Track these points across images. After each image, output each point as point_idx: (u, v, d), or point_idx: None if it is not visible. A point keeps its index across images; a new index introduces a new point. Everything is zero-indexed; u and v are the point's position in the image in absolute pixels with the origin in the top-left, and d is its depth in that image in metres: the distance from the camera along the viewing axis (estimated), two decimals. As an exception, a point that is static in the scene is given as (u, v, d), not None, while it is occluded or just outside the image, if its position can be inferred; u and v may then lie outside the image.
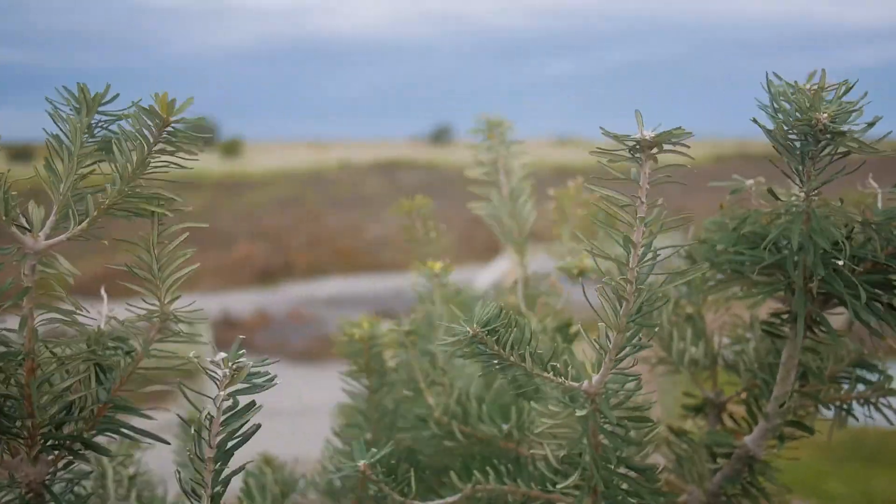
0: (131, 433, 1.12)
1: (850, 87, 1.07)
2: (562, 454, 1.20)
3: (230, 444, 0.96)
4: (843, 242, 1.12)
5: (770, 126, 1.08)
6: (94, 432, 1.11)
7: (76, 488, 1.17)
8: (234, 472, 1.00)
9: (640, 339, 1.04)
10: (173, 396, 1.03)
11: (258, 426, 0.98)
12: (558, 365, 1.10)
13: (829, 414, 1.38)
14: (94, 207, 1.05)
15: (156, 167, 1.05)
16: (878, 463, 6.82)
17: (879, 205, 1.20)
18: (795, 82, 1.08)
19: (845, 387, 1.38)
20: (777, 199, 1.18)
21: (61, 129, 1.06)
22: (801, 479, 5.97)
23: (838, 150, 1.07)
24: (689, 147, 0.96)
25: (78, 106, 1.06)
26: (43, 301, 1.05)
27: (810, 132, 1.05)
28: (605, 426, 1.14)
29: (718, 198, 1.31)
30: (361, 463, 1.22)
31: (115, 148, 1.04)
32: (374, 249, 20.17)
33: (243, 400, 0.95)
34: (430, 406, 1.48)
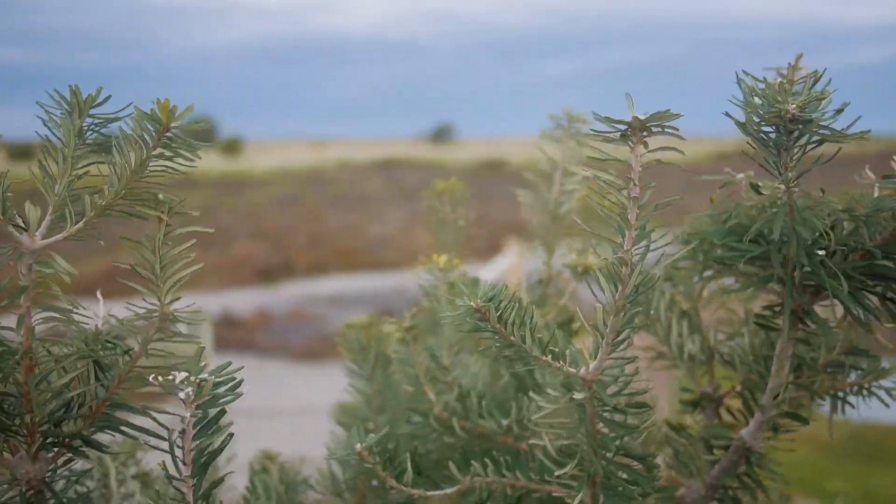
0: (129, 431, 1.13)
1: (819, 78, 1.07)
2: (560, 444, 1.21)
3: (204, 458, 0.96)
4: (826, 233, 1.13)
5: (747, 116, 1.09)
6: (93, 430, 1.12)
7: (77, 486, 1.17)
8: (215, 484, 1.00)
9: (636, 321, 1.05)
10: (172, 396, 1.03)
11: (231, 435, 0.98)
12: (557, 350, 1.10)
13: (825, 406, 1.39)
14: (91, 208, 1.05)
15: (154, 170, 1.06)
16: (878, 461, 6.83)
17: (875, 194, 1.20)
18: (765, 77, 1.09)
19: (839, 376, 1.38)
20: (759, 192, 1.20)
21: (53, 132, 1.07)
22: (803, 478, 5.98)
23: (811, 140, 1.08)
24: (678, 129, 0.97)
25: (70, 109, 1.07)
26: (40, 300, 1.06)
27: (781, 123, 1.06)
28: (603, 413, 1.15)
29: (713, 193, 1.32)
30: (358, 445, 1.23)
31: (114, 150, 1.04)
32: (375, 248, 20.19)
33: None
34: (430, 402, 1.48)
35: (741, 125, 1.09)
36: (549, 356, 1.10)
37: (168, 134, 1.03)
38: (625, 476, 1.20)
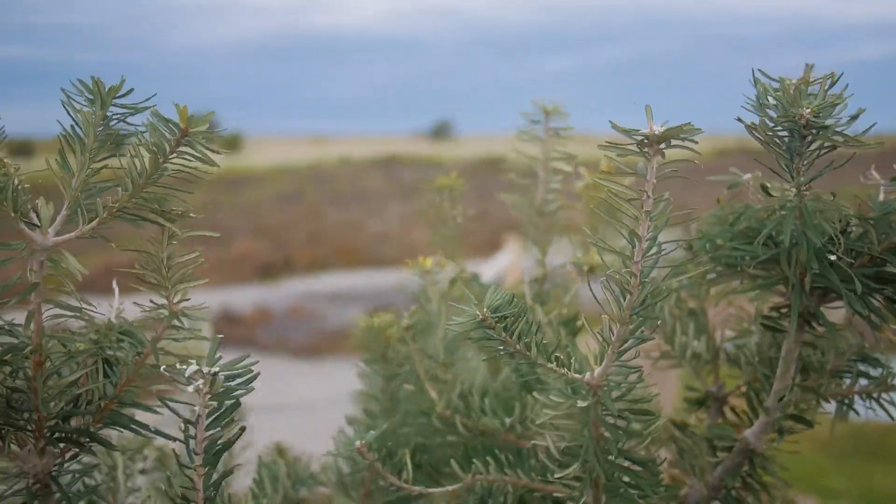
0: (137, 428, 1.13)
1: (836, 81, 1.07)
2: (563, 446, 1.21)
3: (216, 448, 0.97)
4: (836, 237, 1.12)
5: (757, 123, 1.08)
6: (100, 426, 1.12)
7: (84, 479, 1.18)
8: (226, 474, 1.01)
9: (643, 331, 1.05)
10: (181, 392, 1.03)
11: (243, 428, 1.00)
12: (562, 356, 1.10)
13: (830, 408, 1.38)
14: (105, 209, 1.05)
15: (168, 176, 1.06)
16: (878, 459, 6.83)
17: (881, 197, 1.19)
18: (781, 78, 1.08)
19: (847, 381, 1.38)
20: (769, 195, 1.18)
21: (74, 121, 1.05)
22: (803, 475, 5.98)
23: (825, 145, 1.07)
24: (697, 143, 0.96)
25: (92, 98, 1.06)
26: (51, 297, 1.06)
27: (795, 128, 1.05)
28: (607, 418, 1.15)
29: (718, 193, 1.31)
30: (358, 442, 1.24)
31: (129, 154, 1.04)
32: (375, 245, 20.19)
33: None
34: (432, 400, 1.48)
35: (751, 129, 1.08)
36: (555, 362, 1.10)
37: (185, 140, 1.02)
38: (627, 479, 1.20)
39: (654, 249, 1.00)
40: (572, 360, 1.10)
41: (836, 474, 6.41)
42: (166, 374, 0.94)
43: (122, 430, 1.14)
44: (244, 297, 15.06)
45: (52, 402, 1.08)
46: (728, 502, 1.40)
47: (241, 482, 1.60)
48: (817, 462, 6.35)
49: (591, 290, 1.09)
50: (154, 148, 1.02)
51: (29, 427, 1.08)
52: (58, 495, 1.12)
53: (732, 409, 1.49)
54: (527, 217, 1.75)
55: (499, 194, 1.76)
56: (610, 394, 1.11)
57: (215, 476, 0.99)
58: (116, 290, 1.23)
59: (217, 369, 0.93)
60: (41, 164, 1.07)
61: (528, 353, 1.09)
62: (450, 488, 1.33)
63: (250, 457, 1.67)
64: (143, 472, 1.56)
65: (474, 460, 1.33)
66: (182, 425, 0.96)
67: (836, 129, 1.05)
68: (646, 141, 0.96)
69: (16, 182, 1.02)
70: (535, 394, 1.25)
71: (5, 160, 1.02)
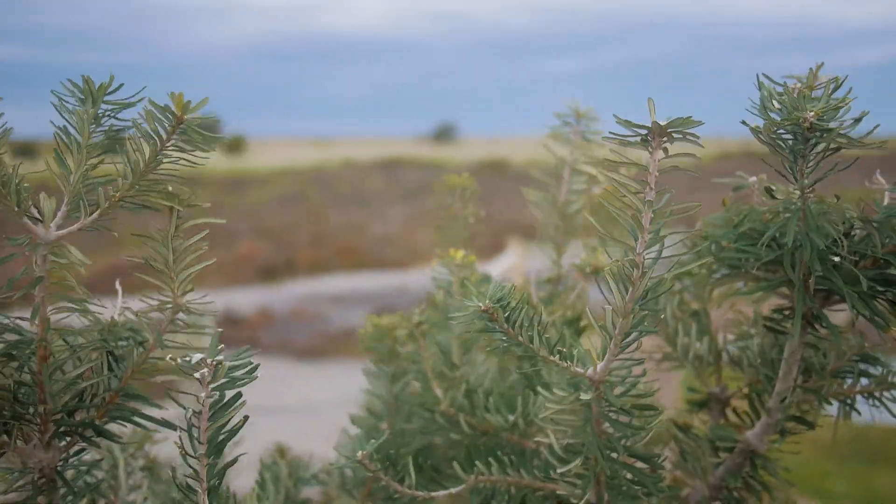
0: (142, 421, 1.14)
1: (840, 84, 1.07)
2: (566, 442, 1.21)
3: (220, 438, 0.98)
4: (840, 239, 1.12)
5: (761, 126, 1.08)
6: (105, 419, 1.13)
7: (86, 477, 1.19)
8: (229, 464, 1.02)
9: (645, 324, 1.05)
10: (185, 387, 1.05)
11: (246, 418, 1.00)
12: (564, 350, 1.11)
13: (832, 410, 1.39)
14: (106, 199, 1.06)
15: (167, 164, 1.07)
16: (880, 462, 6.83)
17: (886, 201, 1.20)
18: (784, 82, 1.09)
19: (849, 382, 1.38)
20: (773, 197, 1.19)
21: (68, 122, 1.08)
22: (805, 478, 5.97)
23: (829, 148, 1.08)
24: (699, 137, 0.97)
25: (83, 97, 1.08)
26: (55, 291, 1.07)
27: (798, 131, 1.06)
28: (610, 414, 1.15)
29: (722, 196, 1.32)
30: (360, 453, 1.24)
31: (127, 143, 1.06)
32: (377, 247, 20.19)
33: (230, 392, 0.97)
34: (437, 397, 1.49)
35: (756, 131, 1.08)
36: (557, 356, 1.11)
37: (182, 127, 1.04)
38: (630, 476, 1.20)
39: (656, 242, 1.01)
40: (575, 354, 1.11)
41: (837, 477, 6.41)
42: (173, 363, 0.95)
43: (125, 423, 1.15)
44: (247, 299, 15.07)
45: (57, 395, 1.09)
46: (729, 503, 1.41)
47: (243, 483, 1.61)
48: (819, 465, 6.35)
49: (600, 289, 1.10)
50: (152, 135, 1.04)
51: (35, 421, 1.09)
52: (62, 490, 1.13)
53: (734, 411, 1.49)
54: (547, 216, 1.75)
55: (524, 190, 1.76)
56: (612, 388, 1.12)
57: (219, 466, 1.00)
58: (120, 290, 1.24)
59: (221, 357, 0.94)
60: (44, 166, 1.08)
61: (530, 345, 1.10)
62: (453, 490, 1.33)
63: (253, 457, 1.68)
64: (143, 468, 1.56)
65: (476, 462, 1.33)
66: (186, 415, 0.97)
67: (840, 132, 1.05)
68: (648, 134, 0.98)
69: (17, 178, 1.04)
70: (539, 388, 1.25)
71: (4, 158, 1.04)
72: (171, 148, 1.05)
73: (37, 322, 1.07)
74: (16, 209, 1.04)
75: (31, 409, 1.08)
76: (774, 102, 1.07)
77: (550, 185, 1.75)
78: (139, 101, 1.07)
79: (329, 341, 12.35)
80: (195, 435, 0.96)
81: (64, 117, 1.08)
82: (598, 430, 1.16)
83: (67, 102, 1.08)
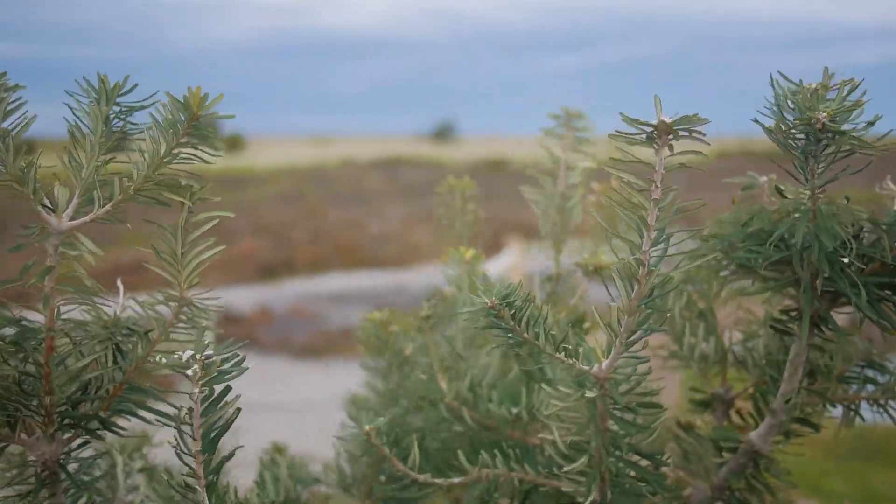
0: (146, 413, 1.15)
1: (856, 86, 1.07)
2: (570, 440, 1.22)
3: (213, 433, 0.99)
4: (849, 241, 1.12)
5: (773, 125, 1.08)
6: (109, 412, 1.14)
7: (84, 475, 1.18)
8: (226, 459, 1.03)
9: (651, 323, 1.05)
10: (184, 382, 1.05)
11: (239, 410, 1.00)
12: (570, 347, 1.11)
13: (836, 413, 1.39)
14: (121, 191, 1.07)
15: (180, 159, 1.08)
16: (879, 461, 6.83)
17: (895, 206, 1.20)
18: (801, 81, 1.09)
19: (854, 387, 1.38)
20: (783, 196, 1.19)
21: (80, 120, 1.09)
22: (803, 477, 5.98)
23: (841, 149, 1.07)
24: (705, 135, 0.97)
25: (97, 96, 1.09)
26: (65, 281, 1.08)
27: (811, 131, 1.06)
28: (614, 411, 1.15)
29: (725, 195, 1.31)
30: (367, 427, 1.26)
31: (145, 134, 1.07)
32: (376, 246, 20.19)
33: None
34: (441, 390, 1.49)
35: (768, 131, 1.08)
36: (563, 353, 1.11)
37: (195, 122, 1.05)
38: (634, 474, 1.20)
39: (662, 239, 1.01)
40: (580, 352, 1.11)
41: (837, 477, 6.41)
42: (163, 361, 0.96)
43: (130, 417, 1.15)
44: (245, 297, 15.06)
45: (62, 387, 1.09)
46: (731, 503, 1.41)
47: (243, 481, 1.60)
48: (819, 464, 6.35)
49: (606, 288, 1.10)
50: (167, 126, 1.05)
51: (39, 412, 1.09)
52: (65, 483, 1.13)
53: (738, 412, 1.49)
54: (545, 214, 1.76)
55: (521, 188, 1.77)
56: (617, 386, 1.12)
57: (215, 461, 1.01)
58: (122, 287, 1.24)
59: (211, 352, 0.95)
60: (46, 163, 1.08)
61: (535, 342, 1.10)
62: (456, 480, 1.34)
63: (252, 455, 1.68)
64: (141, 470, 1.56)
65: (482, 452, 1.34)
66: (180, 412, 0.97)
67: (852, 135, 1.05)
68: (654, 131, 0.98)
69: (36, 167, 1.05)
70: (543, 385, 1.26)
71: (21, 149, 1.05)
72: (184, 143, 1.07)
73: (46, 311, 1.07)
74: (31, 197, 1.05)
75: (36, 401, 1.08)
76: (789, 102, 1.06)
77: (547, 183, 1.76)
78: (152, 104, 1.08)
79: (328, 340, 12.35)
80: (188, 432, 0.97)
81: (75, 114, 1.09)
82: (602, 427, 1.16)
83: (80, 99, 1.09)
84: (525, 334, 1.10)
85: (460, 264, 1.62)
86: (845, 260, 1.13)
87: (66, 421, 1.11)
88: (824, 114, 1.04)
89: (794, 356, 1.28)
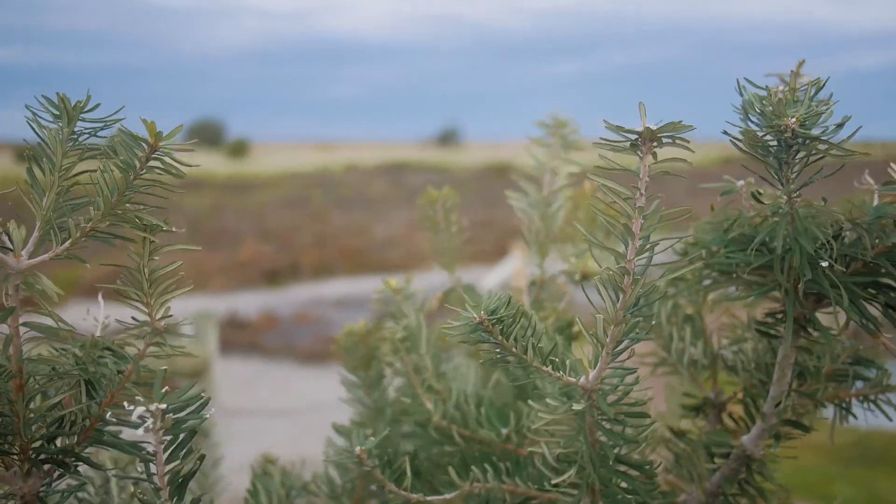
0: (122, 446, 1.11)
1: (821, 87, 1.05)
2: (559, 452, 1.21)
3: (179, 480, 0.97)
4: (828, 243, 1.11)
5: (741, 134, 1.07)
6: (85, 445, 1.11)
7: (76, 495, 1.17)
8: (196, 501, 1.01)
9: (637, 332, 1.04)
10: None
11: (203, 456, 0.98)
12: (557, 360, 1.10)
13: (828, 414, 1.38)
14: (77, 229, 1.02)
15: (141, 191, 1.03)
16: (883, 466, 6.82)
17: (875, 202, 1.18)
18: (767, 86, 1.08)
19: (844, 385, 1.38)
20: (760, 202, 1.18)
21: (41, 138, 1.03)
22: (807, 483, 5.97)
23: (812, 153, 1.06)
24: (689, 142, 0.96)
25: (58, 114, 1.03)
26: (29, 320, 1.04)
27: (781, 137, 1.05)
28: (603, 423, 1.14)
29: (715, 200, 1.31)
30: (358, 448, 1.24)
31: (99, 171, 1.02)
32: (381, 250, 20.21)
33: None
34: (428, 411, 1.48)
35: (736, 141, 1.07)
36: (550, 366, 1.09)
37: (155, 155, 1.00)
38: (624, 485, 1.20)
39: (647, 248, 1.00)
40: (567, 364, 1.10)
41: (840, 482, 6.40)
42: (113, 420, 0.93)
43: (107, 448, 1.13)
44: (250, 303, 15.09)
45: (35, 424, 1.06)
46: (726, 509, 1.40)
47: (243, 487, 1.61)
48: (822, 470, 6.34)
49: (586, 296, 1.09)
50: (123, 165, 1.00)
51: (13, 451, 1.07)
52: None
53: (730, 416, 1.49)
54: (528, 220, 1.77)
55: (507, 194, 1.79)
56: (605, 397, 1.10)
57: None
58: (102, 303, 1.21)
59: (164, 406, 0.91)
60: (20, 183, 1.04)
61: (524, 356, 1.09)
62: (448, 496, 1.33)
63: (251, 460, 1.68)
64: (136, 484, 1.55)
65: (472, 468, 1.33)
66: (137, 464, 0.96)
67: (823, 139, 1.03)
68: (638, 139, 0.97)
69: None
70: (530, 402, 1.25)
71: None
72: (144, 176, 1.02)
73: (10, 353, 1.03)
74: (-14, 238, 1.01)
75: (10, 439, 1.06)
76: (756, 107, 1.05)
77: (530, 189, 1.77)
78: (117, 121, 1.03)
79: (332, 345, 12.39)
80: (154, 483, 0.95)
81: (37, 133, 1.03)
82: (591, 439, 1.15)
83: (41, 118, 1.03)
84: (513, 349, 1.08)
85: (392, 294, 1.59)
86: (826, 263, 1.12)
87: (42, 457, 1.09)
88: (793, 119, 1.03)
89: (781, 359, 1.27)
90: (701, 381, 1.50)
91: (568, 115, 1.77)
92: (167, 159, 1.01)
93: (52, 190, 1.02)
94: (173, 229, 1.07)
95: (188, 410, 0.93)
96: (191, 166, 1.01)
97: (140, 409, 0.90)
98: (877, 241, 1.14)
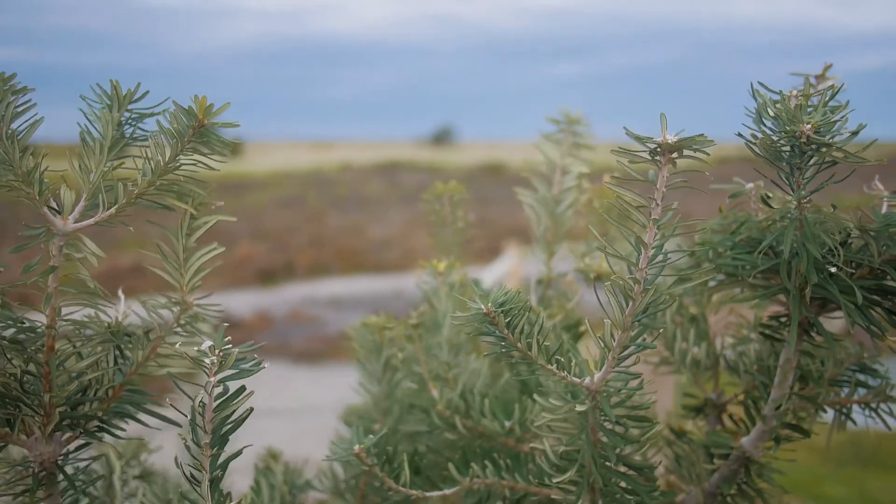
0: (146, 414, 1.16)
1: (836, 92, 1.06)
2: (561, 450, 1.21)
3: (224, 429, 0.98)
4: (836, 249, 1.12)
5: (758, 135, 1.07)
6: (108, 414, 1.14)
7: (84, 476, 1.19)
8: (233, 457, 1.02)
9: (645, 338, 1.05)
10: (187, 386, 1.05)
11: (251, 410, 1.00)
12: (562, 359, 1.10)
13: (827, 417, 1.38)
14: (124, 195, 1.09)
15: (185, 165, 1.10)
16: (875, 466, 6.84)
17: (884, 209, 1.19)
18: (781, 91, 1.08)
19: (845, 391, 1.38)
20: (770, 206, 1.19)
21: (92, 124, 1.11)
22: (800, 482, 5.99)
23: (825, 160, 1.07)
24: (709, 154, 0.96)
25: (110, 102, 1.12)
26: (67, 282, 1.09)
27: (796, 143, 1.05)
28: (605, 423, 1.15)
29: (721, 200, 1.31)
30: (356, 447, 1.24)
31: (150, 141, 1.09)
32: (375, 250, 20.18)
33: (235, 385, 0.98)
34: (433, 399, 1.49)
35: (750, 144, 1.07)
36: (555, 365, 1.10)
37: (201, 130, 1.07)
38: (624, 484, 1.20)
39: (659, 257, 1.00)
40: (573, 364, 1.10)
41: (833, 482, 6.42)
42: (180, 351, 0.96)
43: (129, 419, 1.16)
44: (245, 302, 15.05)
45: (62, 386, 1.10)
46: (724, 509, 1.40)
47: (238, 487, 1.62)
48: (815, 470, 6.36)
49: (597, 296, 1.09)
50: (175, 134, 1.07)
51: (39, 412, 1.10)
52: (62, 485, 1.14)
53: (731, 417, 1.49)
54: (538, 218, 1.77)
55: (516, 191, 1.77)
56: (609, 399, 1.11)
57: (222, 458, 1.00)
58: (122, 296, 1.25)
59: (230, 346, 0.95)
60: (51, 166, 1.10)
61: (528, 352, 1.09)
62: (448, 492, 1.33)
63: (249, 459, 1.69)
64: (138, 476, 1.56)
65: (472, 464, 1.33)
66: (194, 403, 0.96)
67: (838, 146, 1.03)
68: (658, 149, 0.97)
69: (41, 169, 1.07)
70: (535, 396, 1.25)
71: (28, 150, 1.06)
72: (189, 150, 1.09)
73: (48, 311, 1.08)
74: (37, 197, 1.07)
75: (36, 399, 1.09)
76: (770, 112, 1.05)
77: (541, 187, 1.77)
78: (162, 111, 1.10)
79: (326, 344, 12.35)
80: (200, 424, 0.96)
81: (87, 118, 1.12)
82: (593, 439, 1.16)
83: (94, 105, 1.12)
84: (518, 344, 1.09)
85: (435, 276, 1.60)
86: (833, 269, 1.12)
87: (66, 421, 1.12)
88: (809, 125, 1.03)
89: (783, 362, 1.28)
90: (702, 381, 1.49)
91: (579, 111, 1.76)
92: (212, 135, 1.08)
93: (99, 167, 1.09)
94: (214, 204, 1.14)
95: (249, 364, 0.96)
96: (235, 143, 1.10)
97: (208, 342, 0.93)
98: (884, 248, 1.15)
